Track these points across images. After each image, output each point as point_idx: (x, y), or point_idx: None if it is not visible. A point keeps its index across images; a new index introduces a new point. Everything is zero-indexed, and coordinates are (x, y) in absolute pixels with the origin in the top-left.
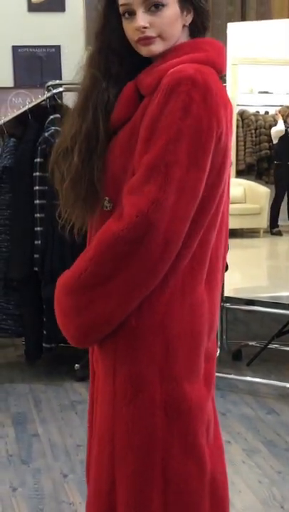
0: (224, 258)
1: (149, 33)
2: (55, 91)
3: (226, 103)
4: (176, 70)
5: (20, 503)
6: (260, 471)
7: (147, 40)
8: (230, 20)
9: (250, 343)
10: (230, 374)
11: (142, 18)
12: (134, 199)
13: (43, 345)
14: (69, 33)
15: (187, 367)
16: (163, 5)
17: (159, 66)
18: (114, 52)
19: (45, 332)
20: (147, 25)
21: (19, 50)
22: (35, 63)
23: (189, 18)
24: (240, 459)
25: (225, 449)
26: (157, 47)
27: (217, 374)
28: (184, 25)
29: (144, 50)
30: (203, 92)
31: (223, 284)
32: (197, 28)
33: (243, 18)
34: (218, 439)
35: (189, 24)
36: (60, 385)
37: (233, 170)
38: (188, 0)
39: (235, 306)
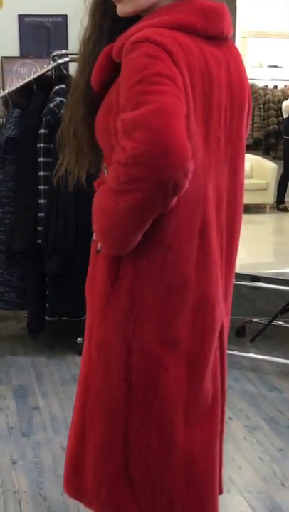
0: (231, 239)
1: None
2: (60, 61)
3: (189, 64)
4: (136, 34)
5: (20, 476)
6: (261, 448)
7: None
8: None
9: (254, 320)
10: (233, 350)
11: None
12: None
13: (46, 318)
14: (76, 2)
15: (158, 342)
16: None
17: (129, 29)
18: (107, 11)
19: (47, 305)
20: None
21: (25, 19)
22: (42, 33)
23: None
24: (241, 435)
25: (226, 425)
26: (125, 7)
27: None
28: None
29: (116, 10)
30: (157, 46)
31: None
32: None
33: None
34: (211, 430)
35: None
36: (62, 358)
37: None
38: None
39: (240, 282)
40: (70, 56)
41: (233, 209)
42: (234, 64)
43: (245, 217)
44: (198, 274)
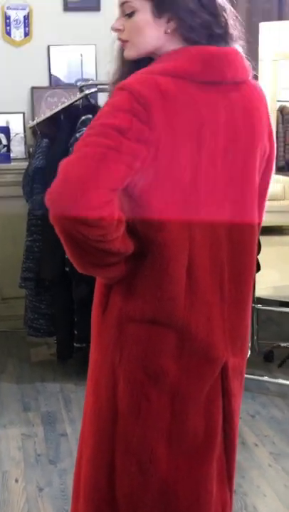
0: (239, 279)
1: (121, 36)
2: (87, 91)
3: (170, 111)
4: (124, 80)
5: (46, 503)
6: (287, 475)
7: (122, 43)
8: (267, 19)
9: (282, 344)
10: (261, 375)
11: (117, 21)
12: None
13: (74, 344)
14: (104, 33)
15: (143, 373)
16: (133, 11)
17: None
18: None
19: (76, 332)
20: (120, 27)
21: (54, 48)
22: (72, 62)
23: (172, 26)
24: (266, 462)
25: (251, 451)
26: (129, 51)
27: (247, 376)
28: (166, 32)
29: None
30: (132, 97)
31: (254, 284)
32: (195, 34)
33: (280, 15)
34: (201, 469)
35: (183, 31)
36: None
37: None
38: (167, 9)
39: (267, 308)
40: (97, 87)
41: (241, 249)
42: (242, 106)
43: (279, 240)
44: (186, 313)
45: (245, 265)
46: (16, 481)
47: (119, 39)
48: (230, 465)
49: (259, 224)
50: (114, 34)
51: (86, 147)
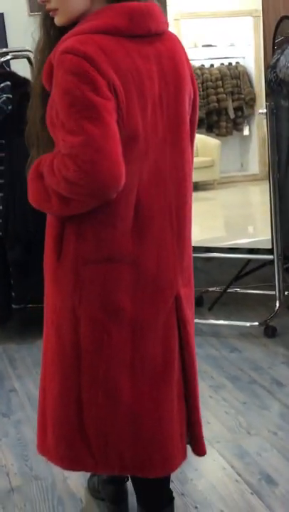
0: (182, 215)
1: (49, 6)
2: (2, 59)
3: (114, 64)
4: (63, 44)
5: (6, 452)
6: (227, 403)
7: (51, 12)
8: None
9: (211, 289)
10: (194, 319)
11: None
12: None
13: (13, 306)
14: (12, 0)
15: (101, 310)
16: None
17: (62, 38)
18: (52, 23)
19: (13, 294)
20: None
21: None
22: None
23: None
24: (207, 394)
25: None
26: (60, 18)
27: None
28: None
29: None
30: (79, 57)
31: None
32: None
33: None
34: (161, 391)
35: None
36: (32, 343)
37: None
38: None
39: (195, 255)
40: (11, 54)
41: (182, 188)
42: (167, 55)
43: (195, 195)
44: (136, 247)
45: (185, 201)
46: None
47: (48, 9)
48: (191, 387)
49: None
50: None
51: (85, 124)
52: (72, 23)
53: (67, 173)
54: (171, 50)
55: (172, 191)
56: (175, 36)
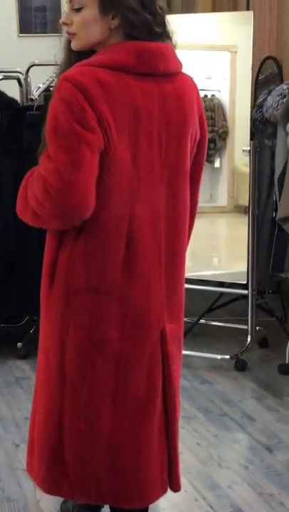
0: (174, 253)
1: (69, 29)
2: None
3: (109, 99)
4: (66, 71)
5: None
6: (198, 434)
7: (69, 36)
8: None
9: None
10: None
11: (65, 16)
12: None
13: None
14: (2, 21)
15: (88, 341)
16: (81, 6)
17: (74, 65)
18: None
19: None
20: (68, 21)
21: None
22: None
23: (116, 22)
24: (179, 425)
25: None
26: (76, 43)
27: None
28: (110, 28)
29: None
30: (74, 87)
31: None
32: (136, 31)
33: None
34: (142, 425)
35: (126, 28)
36: (3, 362)
37: None
38: (112, 6)
39: None
40: (1, 74)
41: (175, 226)
42: (174, 95)
43: None
44: (125, 282)
45: (179, 241)
46: None
47: (68, 32)
48: (172, 422)
49: (193, 206)
50: (13, 21)
51: (59, 154)
52: (91, 51)
53: (37, 191)
54: (179, 89)
55: (166, 229)
56: (189, 78)
